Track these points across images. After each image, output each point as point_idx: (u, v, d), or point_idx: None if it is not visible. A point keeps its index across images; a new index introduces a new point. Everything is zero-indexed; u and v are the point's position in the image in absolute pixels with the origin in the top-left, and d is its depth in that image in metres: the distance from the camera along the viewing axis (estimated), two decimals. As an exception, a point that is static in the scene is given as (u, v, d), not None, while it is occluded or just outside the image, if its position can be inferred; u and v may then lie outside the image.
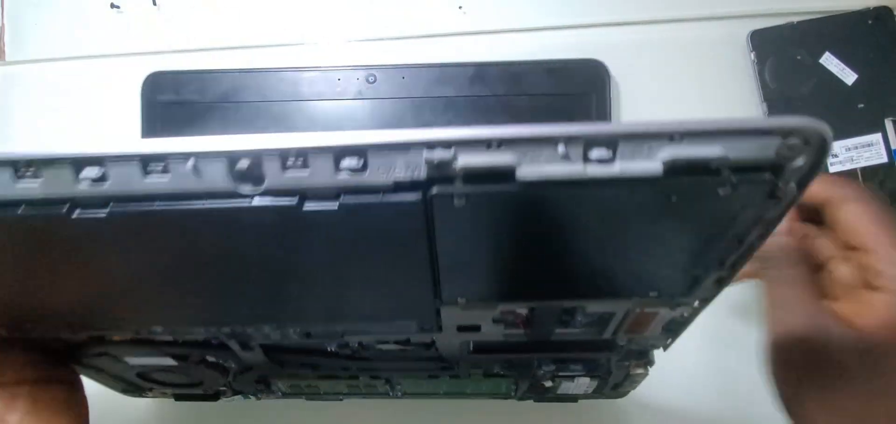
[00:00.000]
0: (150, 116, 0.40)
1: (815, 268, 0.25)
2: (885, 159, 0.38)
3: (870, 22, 0.39)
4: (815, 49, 0.39)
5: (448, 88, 0.39)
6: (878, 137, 0.38)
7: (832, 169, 0.38)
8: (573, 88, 0.39)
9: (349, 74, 0.40)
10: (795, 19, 0.40)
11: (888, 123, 0.38)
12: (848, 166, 0.38)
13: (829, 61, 0.39)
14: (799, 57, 0.39)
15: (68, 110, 0.39)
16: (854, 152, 0.38)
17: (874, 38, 0.39)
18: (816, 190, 0.24)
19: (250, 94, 0.39)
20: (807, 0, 0.40)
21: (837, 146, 0.38)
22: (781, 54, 0.39)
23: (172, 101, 0.40)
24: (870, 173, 0.37)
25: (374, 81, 0.39)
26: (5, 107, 0.43)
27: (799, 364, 0.23)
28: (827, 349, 0.22)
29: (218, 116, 0.39)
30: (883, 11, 0.39)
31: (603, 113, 0.38)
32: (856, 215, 0.23)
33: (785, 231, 0.23)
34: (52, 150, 0.15)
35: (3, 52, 0.44)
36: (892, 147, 0.38)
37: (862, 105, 0.38)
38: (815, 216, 0.25)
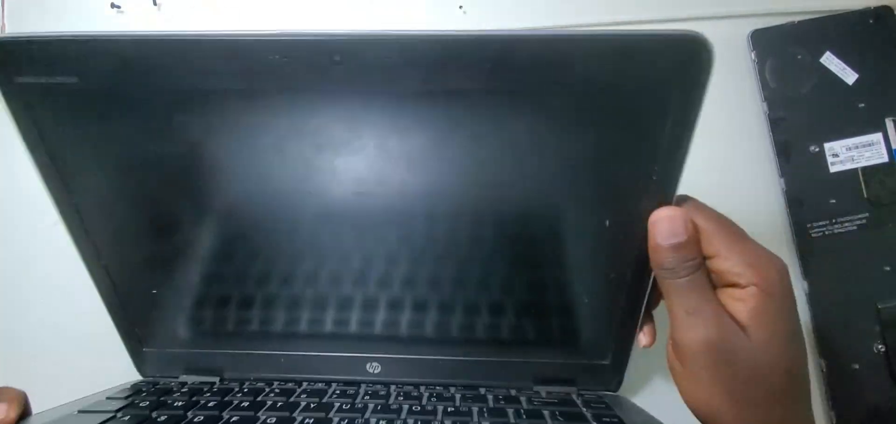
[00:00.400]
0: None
1: None
2: (885, 159, 0.37)
3: (870, 21, 0.39)
4: (816, 49, 0.39)
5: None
6: (878, 136, 0.38)
7: (833, 169, 0.38)
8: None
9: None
10: (796, 19, 0.40)
11: (889, 123, 0.38)
12: (848, 166, 0.38)
13: (830, 61, 0.39)
14: (799, 56, 0.39)
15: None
16: (855, 152, 0.38)
17: (875, 37, 0.39)
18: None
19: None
20: (808, 0, 0.40)
21: (838, 146, 0.38)
22: (782, 54, 0.39)
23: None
24: (870, 173, 0.37)
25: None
26: (5, 107, 0.43)
27: (715, 370, 0.25)
28: (737, 354, 0.24)
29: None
30: (884, 11, 0.39)
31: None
32: (712, 230, 0.26)
33: (684, 232, 0.25)
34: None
35: (4, 52, 0.44)
36: (893, 147, 0.37)
37: (862, 105, 0.38)
38: None
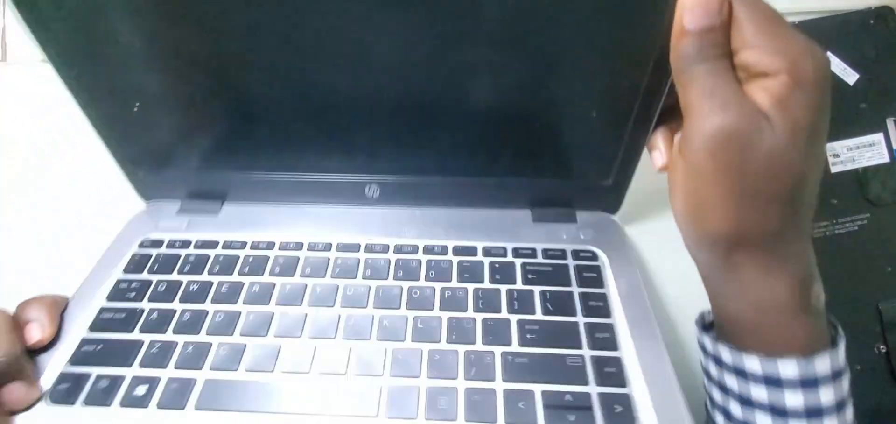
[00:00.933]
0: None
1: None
2: (886, 159, 0.37)
3: (871, 22, 0.39)
4: (817, 49, 0.39)
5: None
6: (879, 136, 0.38)
7: (834, 169, 0.38)
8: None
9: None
10: (797, 19, 0.40)
11: (890, 123, 0.38)
12: (849, 166, 0.38)
13: (831, 61, 0.39)
14: (800, 57, 0.39)
15: (69, 111, 0.39)
16: (856, 152, 0.38)
17: (876, 38, 0.39)
18: None
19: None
20: (808, 0, 0.40)
21: (839, 146, 0.38)
22: (782, 54, 0.39)
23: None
24: (871, 173, 0.37)
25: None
26: (5, 107, 0.43)
27: (727, 158, 0.22)
28: (755, 143, 0.22)
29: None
30: (884, 11, 0.39)
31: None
32: (744, 16, 0.22)
33: (718, 16, 0.22)
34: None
35: (5, 52, 0.44)
36: (894, 147, 0.37)
37: (864, 105, 0.38)
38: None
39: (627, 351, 0.28)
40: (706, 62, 0.23)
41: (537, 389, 0.27)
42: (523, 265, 0.32)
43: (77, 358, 0.29)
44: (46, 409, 0.27)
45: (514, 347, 0.28)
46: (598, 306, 0.30)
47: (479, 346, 0.28)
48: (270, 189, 0.35)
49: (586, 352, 0.28)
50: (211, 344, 0.29)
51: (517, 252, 0.32)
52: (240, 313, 0.30)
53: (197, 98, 0.31)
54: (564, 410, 0.26)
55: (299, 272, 0.32)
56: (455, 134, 0.32)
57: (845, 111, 0.38)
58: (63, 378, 0.28)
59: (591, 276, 0.31)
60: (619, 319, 0.30)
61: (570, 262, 0.32)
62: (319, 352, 0.28)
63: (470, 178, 0.34)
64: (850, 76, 0.38)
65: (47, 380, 0.28)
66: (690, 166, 0.23)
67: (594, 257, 0.32)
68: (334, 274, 0.32)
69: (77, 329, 0.30)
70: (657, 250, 0.36)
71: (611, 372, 0.27)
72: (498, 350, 0.28)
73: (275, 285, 0.31)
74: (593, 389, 0.27)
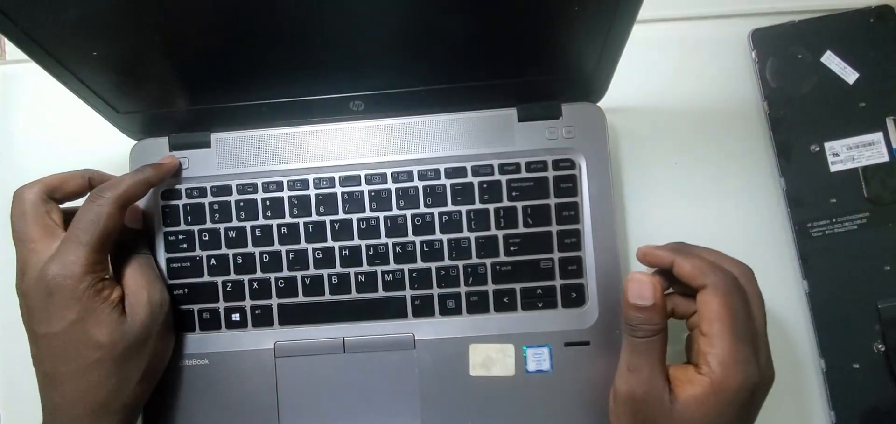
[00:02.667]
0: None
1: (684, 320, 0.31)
2: (886, 158, 0.37)
3: (871, 21, 0.39)
4: (817, 48, 0.39)
5: None
6: (879, 136, 0.38)
7: (833, 168, 0.38)
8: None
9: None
10: (796, 18, 0.40)
11: (889, 122, 0.38)
12: (849, 165, 0.38)
13: (831, 60, 0.39)
14: (800, 56, 0.39)
15: (69, 110, 0.39)
16: (855, 151, 0.38)
17: (876, 37, 0.39)
18: (688, 269, 0.29)
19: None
20: (808, -1, 0.40)
21: (838, 145, 0.38)
22: (782, 53, 0.39)
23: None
24: (871, 172, 0.37)
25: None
26: (5, 106, 0.43)
27: (632, 420, 0.29)
28: (657, 415, 0.28)
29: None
30: (884, 10, 0.39)
31: None
32: (708, 305, 0.28)
33: (650, 298, 0.28)
34: None
35: (4, 51, 0.44)
36: (894, 146, 0.37)
37: (863, 104, 0.38)
38: (687, 287, 0.30)
39: (588, 250, 0.36)
40: (641, 337, 0.28)
41: (517, 287, 0.36)
42: (508, 183, 0.37)
43: (175, 300, 0.36)
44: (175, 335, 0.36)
45: (501, 257, 0.36)
46: (569, 215, 0.36)
47: (474, 260, 0.36)
48: (256, 115, 0.37)
49: (556, 255, 0.36)
50: (269, 279, 0.37)
51: (503, 169, 0.37)
52: (280, 252, 0.37)
53: (172, 21, 0.30)
54: (536, 299, 0.36)
55: (314, 209, 0.37)
56: (436, 38, 0.32)
57: (845, 110, 0.38)
58: (175, 314, 0.36)
59: (567, 186, 0.36)
60: (586, 223, 0.36)
61: (550, 174, 0.37)
62: (353, 276, 0.37)
63: (453, 83, 0.35)
64: (850, 75, 0.38)
65: None
66: (614, 411, 0.30)
67: (572, 165, 0.37)
68: (345, 210, 0.37)
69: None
70: (636, 132, 0.40)
71: (572, 269, 0.36)
72: (488, 262, 0.36)
73: (299, 224, 0.37)
74: (558, 282, 0.36)
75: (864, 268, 0.37)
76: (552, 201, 0.36)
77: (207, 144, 0.38)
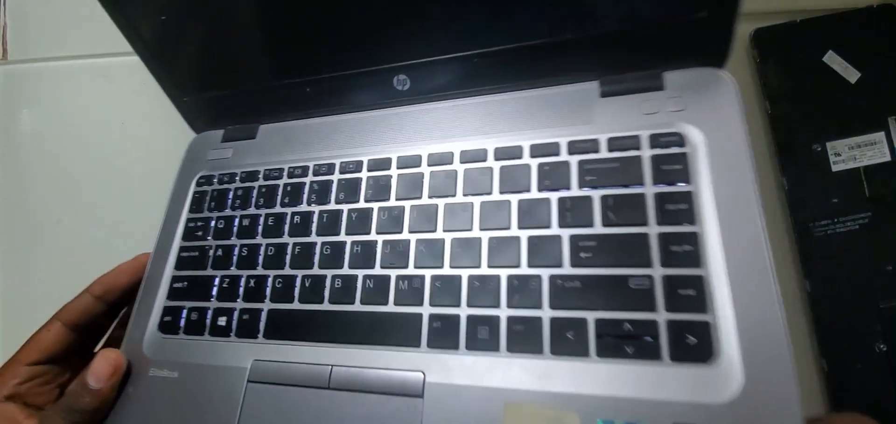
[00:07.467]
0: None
1: None
2: (888, 158, 0.37)
3: (873, 20, 0.39)
4: (818, 48, 0.39)
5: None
6: (881, 135, 0.38)
7: (835, 168, 0.38)
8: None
9: None
10: (798, 18, 0.40)
11: (891, 122, 0.38)
12: (851, 165, 0.38)
13: (832, 60, 0.39)
14: (801, 55, 0.39)
15: (69, 109, 0.39)
16: (857, 151, 0.38)
17: (877, 36, 0.39)
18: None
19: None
20: (809, -2, 0.40)
21: (840, 145, 0.38)
22: (784, 53, 0.39)
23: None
24: (872, 172, 0.37)
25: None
26: (6, 106, 0.43)
27: None
28: None
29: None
30: (886, 9, 0.39)
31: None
32: None
33: None
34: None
35: (6, 50, 0.44)
36: (895, 146, 0.37)
37: (865, 103, 0.38)
38: None
39: (715, 269, 0.23)
40: None
41: (590, 317, 0.23)
42: (581, 164, 0.26)
43: (172, 294, 0.35)
44: (158, 337, 0.33)
45: (565, 269, 0.25)
46: (679, 210, 0.24)
47: (524, 269, 0.25)
48: (299, 100, 0.36)
49: (657, 272, 0.24)
50: (267, 277, 0.33)
51: (573, 147, 0.27)
52: (287, 244, 0.33)
53: (224, 11, 0.33)
54: (622, 339, 0.22)
55: (333, 196, 0.33)
56: None
57: (846, 110, 0.38)
58: (166, 310, 0.34)
59: (673, 168, 0.25)
60: (711, 225, 0.24)
61: (645, 153, 0.25)
62: (361, 279, 0.30)
63: (512, 44, 0.27)
64: (852, 74, 0.38)
65: (155, 313, 0.34)
66: None
67: (681, 141, 0.25)
68: (367, 198, 0.32)
69: (169, 269, 0.35)
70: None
71: (687, 296, 0.22)
72: (545, 273, 0.25)
73: (313, 212, 0.33)
74: (661, 316, 0.22)
75: (866, 268, 0.37)
76: (649, 189, 0.25)
77: (253, 135, 0.38)
